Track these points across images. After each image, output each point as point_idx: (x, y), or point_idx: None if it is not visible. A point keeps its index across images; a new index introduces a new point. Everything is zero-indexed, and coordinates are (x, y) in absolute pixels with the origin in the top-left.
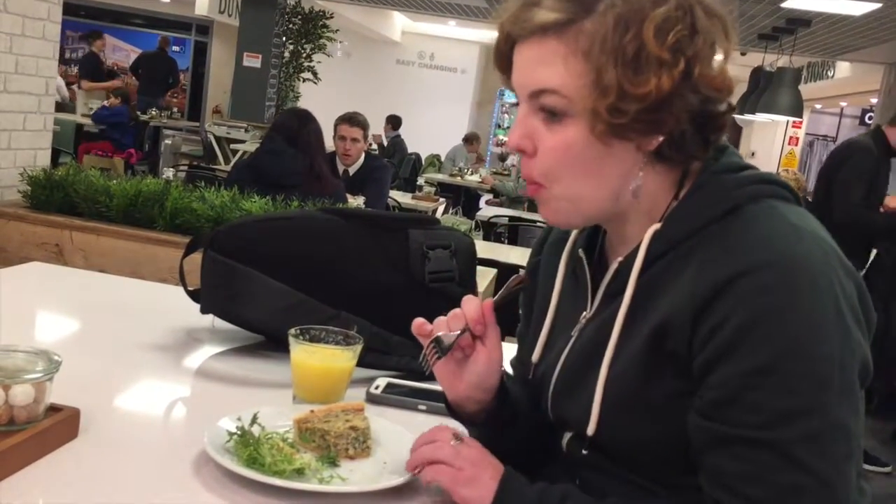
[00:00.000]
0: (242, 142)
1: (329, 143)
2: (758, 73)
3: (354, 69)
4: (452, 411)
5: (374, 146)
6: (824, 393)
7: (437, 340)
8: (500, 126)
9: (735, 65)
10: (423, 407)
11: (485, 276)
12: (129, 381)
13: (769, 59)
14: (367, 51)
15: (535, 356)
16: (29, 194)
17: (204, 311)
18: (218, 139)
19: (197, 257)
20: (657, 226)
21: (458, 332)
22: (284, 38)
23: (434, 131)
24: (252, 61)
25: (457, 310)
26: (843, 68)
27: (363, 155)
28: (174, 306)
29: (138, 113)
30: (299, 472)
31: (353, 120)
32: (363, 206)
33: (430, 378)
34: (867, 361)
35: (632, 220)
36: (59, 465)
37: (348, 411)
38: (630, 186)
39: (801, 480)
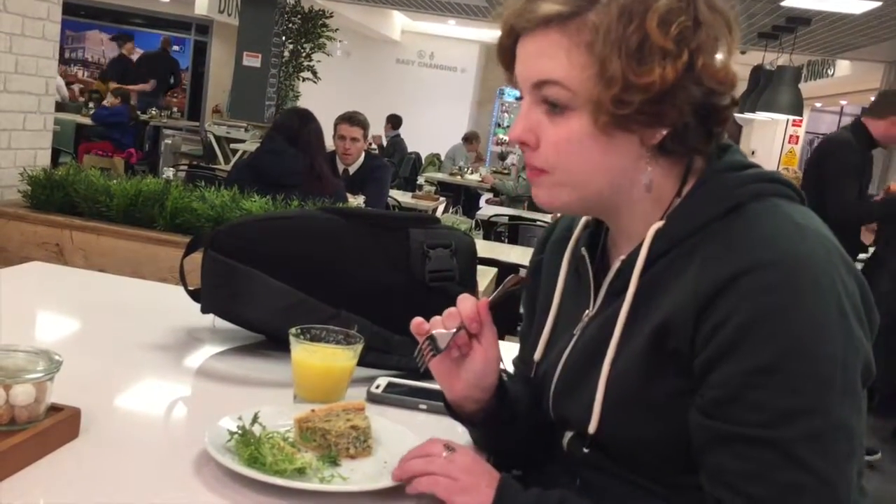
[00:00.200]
0: (242, 141)
1: (329, 143)
2: (758, 72)
3: (354, 68)
4: (452, 411)
5: (374, 146)
6: (827, 392)
7: (432, 338)
8: (499, 125)
9: (735, 63)
10: (424, 406)
11: (485, 276)
12: (130, 381)
13: (769, 58)
14: (367, 50)
15: (537, 355)
16: (29, 194)
17: (204, 310)
18: (218, 139)
19: (197, 257)
20: (660, 223)
21: (454, 330)
22: (284, 38)
23: (434, 130)
24: (252, 61)
25: (452, 308)
26: (843, 67)
27: (363, 154)
28: (175, 306)
29: (138, 113)
30: (300, 472)
31: (353, 119)
32: (363, 206)
33: (431, 377)
34: (869, 361)
35: (633, 215)
36: (60, 465)
37: (349, 410)
38: (637, 181)
39: (802, 479)
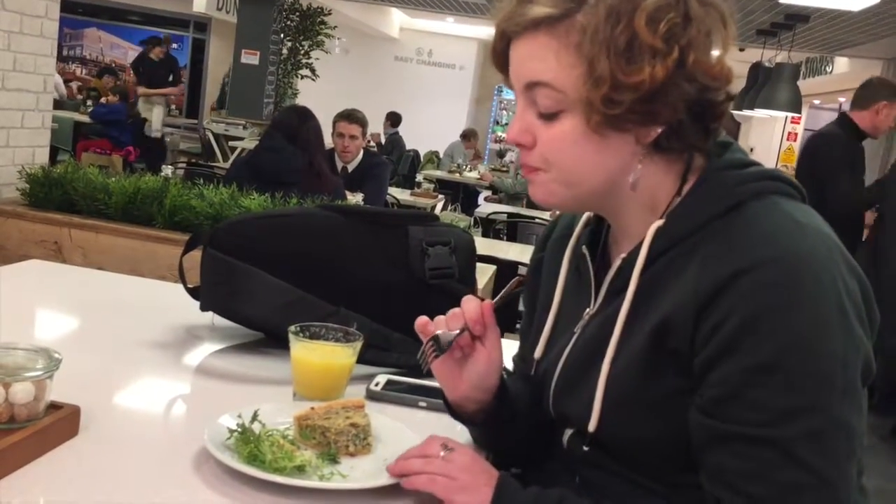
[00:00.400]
0: (241, 139)
1: (328, 141)
2: (756, 69)
3: (352, 66)
4: (452, 411)
5: (373, 144)
6: (827, 391)
7: (436, 339)
8: (498, 122)
9: (733, 60)
10: (424, 404)
11: (484, 273)
12: (130, 379)
13: (768, 55)
14: (366, 47)
15: (537, 353)
16: (27, 192)
17: (203, 308)
18: (216, 136)
19: (196, 255)
20: (660, 222)
21: (457, 331)
22: (282, 35)
23: (433, 128)
24: (250, 58)
25: (456, 309)
26: (841, 64)
27: (362, 152)
28: (174, 304)
29: (137, 110)
30: (300, 469)
31: (351, 117)
32: (362, 204)
33: (430, 375)
34: (870, 359)
35: (631, 213)
36: (60, 463)
37: (348, 408)
38: (629, 178)
39: (801, 479)
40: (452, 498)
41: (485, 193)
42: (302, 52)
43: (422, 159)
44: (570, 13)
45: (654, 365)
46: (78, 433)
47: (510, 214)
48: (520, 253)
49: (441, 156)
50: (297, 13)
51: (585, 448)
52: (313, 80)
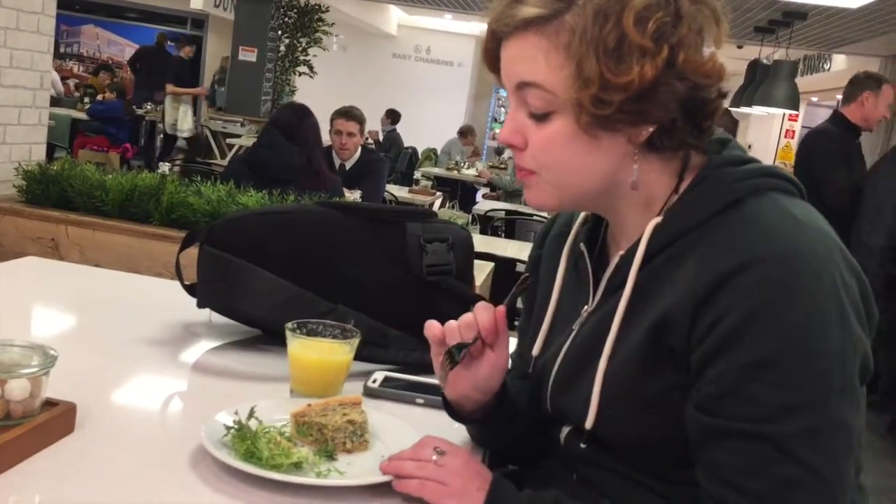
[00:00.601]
0: (238, 136)
1: (325, 138)
2: (754, 66)
3: (350, 63)
4: (449, 409)
5: (371, 141)
6: (825, 388)
7: (450, 353)
8: (496, 119)
9: (731, 58)
10: (421, 400)
11: (482, 270)
12: (126, 376)
13: (765, 52)
14: (363, 44)
15: (535, 350)
16: (24, 189)
17: (200, 305)
18: (214, 133)
19: (193, 252)
20: (658, 219)
21: (470, 342)
22: (280, 32)
23: (431, 125)
24: (248, 55)
25: (469, 316)
26: (839, 61)
27: (359, 149)
28: (170, 301)
29: (134, 107)
30: (297, 466)
31: (349, 114)
32: (360, 201)
33: (428, 371)
34: (868, 357)
35: (629, 212)
36: (56, 460)
37: (346, 405)
38: (628, 179)
39: (798, 475)
40: (445, 503)
41: (483, 190)
42: (300, 49)
43: (420, 156)
44: (560, 13)
45: (651, 362)
46: (74, 430)
47: (508, 211)
48: (518, 250)
49: (439, 153)
50: (295, 10)
51: (583, 445)
52: (311, 77)
